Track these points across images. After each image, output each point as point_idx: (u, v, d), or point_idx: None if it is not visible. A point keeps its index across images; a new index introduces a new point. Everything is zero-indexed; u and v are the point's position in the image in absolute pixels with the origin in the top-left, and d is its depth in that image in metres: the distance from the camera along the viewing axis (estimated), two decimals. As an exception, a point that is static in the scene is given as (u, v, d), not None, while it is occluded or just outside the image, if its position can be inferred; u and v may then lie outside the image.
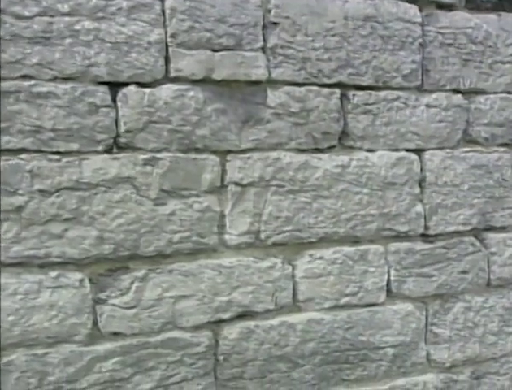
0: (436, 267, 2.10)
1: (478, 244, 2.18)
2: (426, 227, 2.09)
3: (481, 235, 2.19)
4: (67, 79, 1.63)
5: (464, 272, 2.15)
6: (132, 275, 1.75)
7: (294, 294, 1.93)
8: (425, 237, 2.10)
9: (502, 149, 2.20)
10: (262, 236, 1.88)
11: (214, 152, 1.82)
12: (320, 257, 1.96)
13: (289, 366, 1.93)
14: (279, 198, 1.89)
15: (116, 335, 1.74)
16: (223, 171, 1.83)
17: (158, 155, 1.75)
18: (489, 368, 2.23)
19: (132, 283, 1.75)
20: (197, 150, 1.80)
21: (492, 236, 2.20)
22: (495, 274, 2.21)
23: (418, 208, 2.08)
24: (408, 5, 2.03)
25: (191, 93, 1.78)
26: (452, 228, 2.12)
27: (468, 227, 2.15)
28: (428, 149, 2.08)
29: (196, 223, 1.80)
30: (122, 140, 1.72)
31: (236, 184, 1.84)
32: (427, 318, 2.11)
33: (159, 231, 1.76)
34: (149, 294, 1.76)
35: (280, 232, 1.90)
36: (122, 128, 1.71)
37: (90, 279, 1.71)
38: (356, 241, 2.00)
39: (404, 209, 2.06)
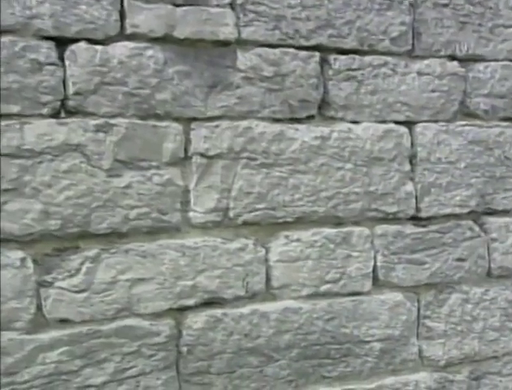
0: (429, 253, 2.00)
1: (476, 228, 2.07)
2: (417, 209, 1.98)
3: (480, 219, 2.08)
4: (5, 32, 1.53)
5: (461, 260, 2.04)
6: (82, 255, 1.64)
7: (268, 280, 1.83)
8: (416, 220, 2.00)
9: (504, 123, 2.10)
10: (232, 214, 1.78)
11: (177, 119, 1.71)
12: (297, 240, 1.85)
13: (262, 360, 1.83)
14: (251, 172, 1.79)
15: (63, 322, 1.63)
16: (187, 141, 1.73)
17: (112, 121, 1.65)
18: (490, 367, 2.12)
19: (83, 263, 1.64)
20: (157, 117, 1.69)
21: (492, 221, 2.09)
22: (496, 262, 2.10)
23: (409, 187, 1.97)
24: (397, -39, 1.93)
25: (149, 53, 1.67)
26: (447, 211, 2.02)
27: (465, 210, 2.05)
28: (420, 122, 1.98)
29: (156, 198, 1.70)
30: (70, 103, 1.61)
31: (202, 155, 1.74)
32: (419, 309, 2.01)
33: (113, 206, 1.66)
34: (101, 276, 1.66)
35: (252, 210, 1.80)
36: (70, 90, 1.60)
37: (34, 260, 1.60)
38: (338, 222, 1.90)
39: (392, 188, 1.95)
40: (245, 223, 1.80)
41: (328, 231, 1.89)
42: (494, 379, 2.13)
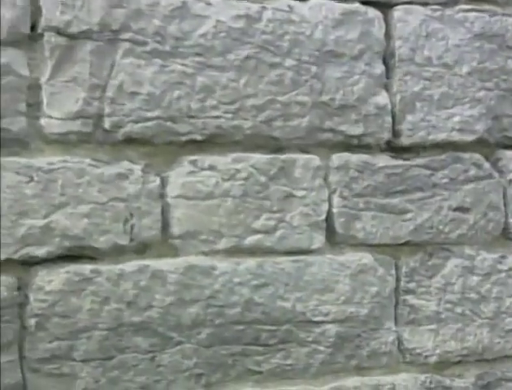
0: (413, 198, 1.69)
1: (487, 165, 1.76)
2: (395, 133, 1.71)
3: (492, 151, 1.78)
4: None
5: (462, 210, 1.73)
6: None
7: (164, 224, 1.53)
8: (393, 148, 1.70)
9: (529, 11, 1.84)
10: (108, 123, 1.47)
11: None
12: (210, 168, 1.55)
13: (154, 342, 1.50)
14: (138, 63, 1.49)
15: None
16: (37, 10, 1.44)
17: None
18: (507, 371, 1.77)
19: None
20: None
21: (510, 156, 1.78)
22: None
23: (382, 99, 1.69)
24: None
25: None
26: (440, 137, 1.72)
27: (469, 137, 1.74)
28: (400, 4, 1.69)
29: (-13, 94, 1.44)
30: None
31: (60, 33, 1.45)
32: (398, 280, 1.67)
33: None
34: None
35: (140, 120, 1.49)
36: None
37: None
38: (273, 146, 1.59)
39: (356, 99, 1.66)
40: (129, 139, 1.50)
41: (258, 157, 1.58)
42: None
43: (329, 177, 1.65)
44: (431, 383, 1.75)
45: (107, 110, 1.48)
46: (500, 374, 1.81)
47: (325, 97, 1.63)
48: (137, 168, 1.51)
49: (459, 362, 1.77)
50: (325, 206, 1.64)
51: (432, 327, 1.73)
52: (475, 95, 1.77)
